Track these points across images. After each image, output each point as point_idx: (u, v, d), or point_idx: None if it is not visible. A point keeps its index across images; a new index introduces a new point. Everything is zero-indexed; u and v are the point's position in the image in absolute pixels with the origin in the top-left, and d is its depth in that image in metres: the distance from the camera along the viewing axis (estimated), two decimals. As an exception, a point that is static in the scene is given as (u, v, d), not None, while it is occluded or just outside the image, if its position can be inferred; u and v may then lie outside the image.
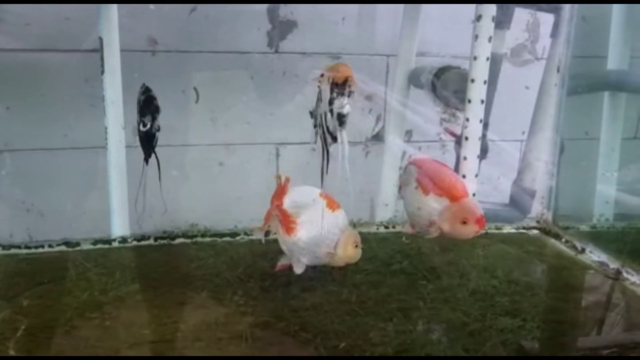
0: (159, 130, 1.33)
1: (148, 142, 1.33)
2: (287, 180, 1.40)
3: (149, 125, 1.31)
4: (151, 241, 1.59)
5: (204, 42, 1.98)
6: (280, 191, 1.38)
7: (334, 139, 1.24)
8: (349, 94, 1.19)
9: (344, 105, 1.19)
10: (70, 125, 1.91)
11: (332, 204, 1.34)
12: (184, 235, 1.62)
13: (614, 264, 1.53)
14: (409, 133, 2.22)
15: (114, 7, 1.49)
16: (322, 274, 1.45)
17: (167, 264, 1.48)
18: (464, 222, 1.31)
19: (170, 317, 1.24)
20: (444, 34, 2.06)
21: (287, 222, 1.34)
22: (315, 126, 1.29)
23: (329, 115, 1.21)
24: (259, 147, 2.12)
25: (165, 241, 1.59)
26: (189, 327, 1.20)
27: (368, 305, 1.32)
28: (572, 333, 1.30)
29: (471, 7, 1.59)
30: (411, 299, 1.35)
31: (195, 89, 1.92)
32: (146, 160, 1.36)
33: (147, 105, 1.32)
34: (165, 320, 1.23)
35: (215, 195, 2.05)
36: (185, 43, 1.96)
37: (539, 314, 1.30)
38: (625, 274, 1.48)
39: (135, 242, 1.57)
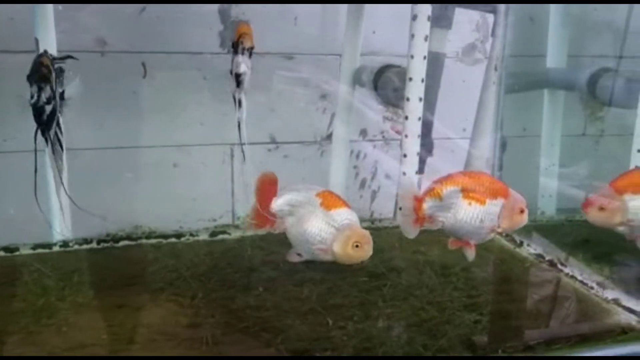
0: (48, 102, 1.18)
1: (38, 117, 1.20)
2: (273, 176, 1.40)
3: (35, 97, 1.20)
4: (94, 244, 1.57)
5: (155, 42, 1.96)
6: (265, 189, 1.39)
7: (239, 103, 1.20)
8: (243, 52, 1.14)
9: (239, 64, 1.15)
10: (12, 128, 1.87)
11: (329, 203, 1.33)
12: (129, 238, 1.60)
13: (549, 256, 1.57)
14: (363, 132, 2.24)
15: (49, 7, 1.46)
16: (283, 272, 1.45)
17: (109, 267, 1.47)
18: (521, 211, 1.33)
19: (124, 321, 1.23)
20: (396, 33, 2.08)
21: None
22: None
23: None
24: (213, 147, 2.11)
25: (108, 244, 1.58)
26: (145, 330, 1.20)
27: (329, 304, 1.32)
28: (506, 325, 1.33)
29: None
30: (371, 296, 1.37)
31: (143, 64, 1.90)
32: (44, 138, 1.25)
33: (33, 73, 1.18)
34: (117, 323, 1.22)
35: (170, 197, 2.04)
36: (135, 43, 1.94)
37: (486, 308, 1.33)
38: (559, 266, 1.52)
39: (77, 246, 1.55)
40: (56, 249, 1.54)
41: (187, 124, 2.05)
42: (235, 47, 1.14)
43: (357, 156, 2.28)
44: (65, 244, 1.56)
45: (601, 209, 1.41)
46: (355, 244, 1.29)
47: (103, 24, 1.91)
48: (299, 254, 1.38)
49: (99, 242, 1.57)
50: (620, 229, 1.45)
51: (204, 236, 1.65)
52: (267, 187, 1.40)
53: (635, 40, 1.91)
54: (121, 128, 1.99)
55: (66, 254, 1.53)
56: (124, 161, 2.01)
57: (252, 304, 1.31)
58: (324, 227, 1.31)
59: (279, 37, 2.07)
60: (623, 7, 1.94)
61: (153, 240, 1.61)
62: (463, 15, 2.07)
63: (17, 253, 1.52)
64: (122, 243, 1.59)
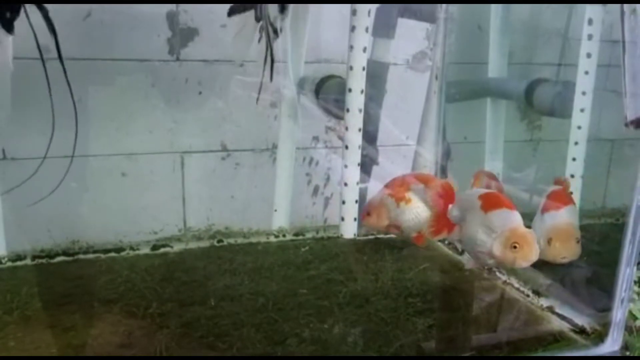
0: None
1: None
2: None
3: None
4: (27, 261, 1.52)
5: (100, 49, 1.93)
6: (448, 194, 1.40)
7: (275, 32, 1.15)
8: None
9: None
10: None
11: (488, 205, 1.30)
12: (66, 254, 1.56)
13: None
14: (316, 139, 2.24)
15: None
16: (237, 282, 1.44)
17: (42, 285, 1.42)
18: None
19: (53, 343, 1.19)
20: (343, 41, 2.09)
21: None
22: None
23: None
24: (163, 156, 2.09)
25: (43, 260, 1.53)
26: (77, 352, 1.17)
27: (284, 312, 1.32)
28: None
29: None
30: (327, 303, 1.37)
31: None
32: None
33: None
34: (45, 345, 1.18)
35: (117, 206, 2.01)
36: (79, 50, 1.90)
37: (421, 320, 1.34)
38: (498, 273, 1.54)
39: (9, 263, 1.50)
40: (-14, 266, 1.49)
41: (136, 132, 2.02)
42: None
43: (310, 163, 2.28)
44: (-3, 260, 1.51)
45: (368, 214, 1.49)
46: (513, 245, 1.23)
47: (45, 29, 1.86)
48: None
49: (33, 259, 1.53)
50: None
51: (145, 250, 1.62)
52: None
53: (576, 47, 1.96)
54: (66, 137, 1.94)
55: (-2, 272, 1.48)
56: (70, 171, 1.96)
57: (210, 315, 1.29)
58: (484, 230, 1.27)
59: (228, 45, 2.06)
60: (563, 15, 1.99)
61: (91, 256, 1.57)
62: (414, 24, 2.09)
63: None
64: (58, 259, 1.55)
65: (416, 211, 1.49)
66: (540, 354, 1.22)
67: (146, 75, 1.99)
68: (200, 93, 2.05)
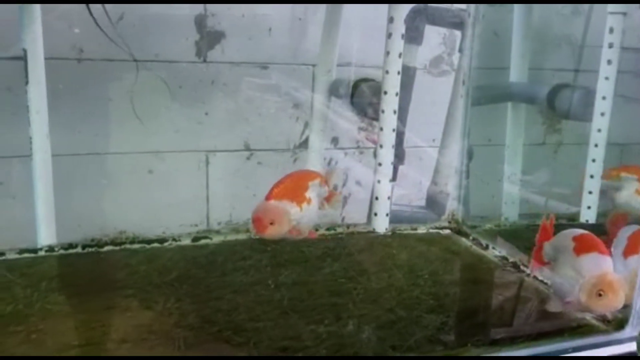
0: None
1: None
2: (552, 219, 1.40)
3: None
4: (79, 249, 1.59)
5: (132, 50, 1.99)
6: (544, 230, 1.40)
7: None
8: None
9: None
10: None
11: (580, 248, 1.28)
12: (113, 243, 1.63)
13: (512, 258, 1.68)
14: (335, 140, 2.31)
15: (38, 19, 1.49)
16: (253, 278, 1.50)
17: (94, 272, 1.49)
18: None
19: (100, 323, 1.25)
20: (368, 45, 2.16)
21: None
22: None
23: None
24: (188, 154, 2.15)
25: (93, 249, 1.60)
26: (118, 333, 1.22)
27: (300, 308, 1.36)
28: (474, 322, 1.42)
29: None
30: (341, 299, 1.41)
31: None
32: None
33: None
34: (94, 325, 1.25)
35: (145, 203, 2.07)
36: (111, 51, 1.97)
37: (457, 307, 1.42)
38: (522, 267, 1.63)
39: (62, 251, 1.57)
40: (42, 253, 1.56)
41: (163, 131, 2.08)
42: None
43: (329, 163, 2.35)
44: (50, 249, 1.58)
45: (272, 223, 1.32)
46: (598, 293, 1.20)
47: (80, 31, 1.92)
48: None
49: (84, 247, 1.60)
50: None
51: (186, 241, 1.69)
52: (547, 229, 1.39)
53: (592, 53, 2.04)
54: (97, 134, 2.01)
55: (52, 259, 1.54)
56: (100, 167, 2.03)
57: (226, 309, 1.34)
58: (572, 274, 1.26)
59: (254, 48, 2.13)
60: (581, 21, 2.09)
61: (137, 246, 1.63)
62: (431, 30, 2.18)
63: (2, 258, 1.52)
64: (106, 248, 1.62)
65: (315, 208, 1.46)
66: (565, 339, 1.30)
67: (174, 76, 2.06)
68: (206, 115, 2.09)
